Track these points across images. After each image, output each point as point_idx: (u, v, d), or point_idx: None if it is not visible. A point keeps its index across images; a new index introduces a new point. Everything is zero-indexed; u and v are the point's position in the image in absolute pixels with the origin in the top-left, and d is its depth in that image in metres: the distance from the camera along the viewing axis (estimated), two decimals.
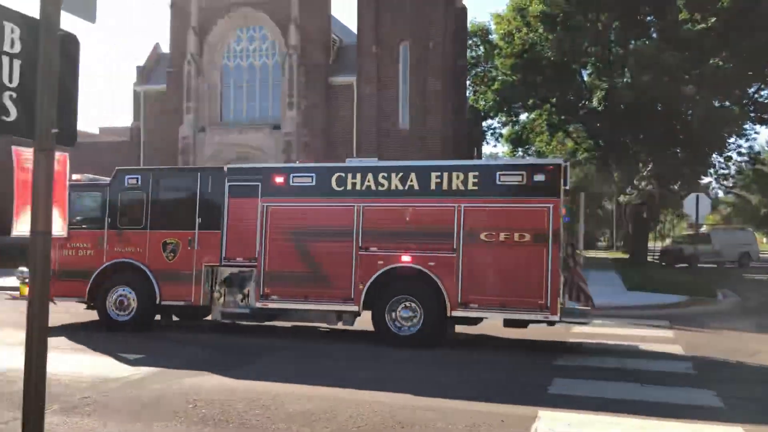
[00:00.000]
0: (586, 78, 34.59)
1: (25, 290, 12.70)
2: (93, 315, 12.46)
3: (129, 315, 11.90)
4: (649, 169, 30.90)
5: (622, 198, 33.93)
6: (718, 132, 29.21)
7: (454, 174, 10.53)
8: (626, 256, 41.04)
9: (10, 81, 3.68)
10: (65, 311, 13.02)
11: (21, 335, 10.44)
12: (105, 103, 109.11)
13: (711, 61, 27.59)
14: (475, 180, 10.45)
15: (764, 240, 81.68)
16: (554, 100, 33.80)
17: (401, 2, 32.14)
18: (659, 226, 59.26)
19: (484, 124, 44.86)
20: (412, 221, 10.59)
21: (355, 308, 10.80)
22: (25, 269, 13.94)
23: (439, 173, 10.61)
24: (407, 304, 10.63)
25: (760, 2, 26.41)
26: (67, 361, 8.79)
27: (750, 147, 37.36)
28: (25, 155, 4.06)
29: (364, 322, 11.24)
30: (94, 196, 12.35)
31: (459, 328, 11.54)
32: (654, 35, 30.47)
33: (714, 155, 34.16)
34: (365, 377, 8.32)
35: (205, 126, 34.05)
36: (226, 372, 8.42)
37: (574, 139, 39.89)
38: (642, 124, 29.20)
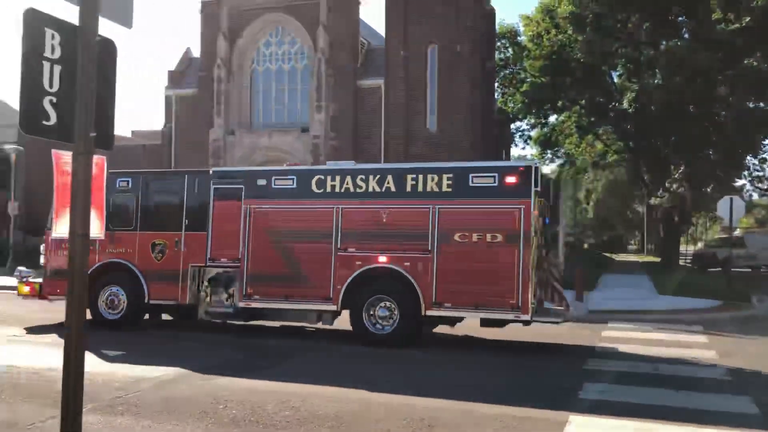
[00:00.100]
0: (616, 79, 34.21)
1: (23, 289, 13.21)
2: None
3: (119, 313, 12.25)
4: (680, 171, 30.43)
5: (652, 200, 33.45)
6: (753, 134, 28.65)
7: (429, 176, 10.76)
8: (657, 259, 40.45)
9: (51, 86, 3.77)
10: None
11: (50, 336, 10.59)
12: (137, 106, 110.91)
13: (745, 62, 27.08)
14: (449, 182, 10.65)
15: None
16: (583, 101, 33.49)
17: (429, 5, 32.10)
18: (691, 229, 58.32)
19: (512, 126, 44.61)
20: (388, 222, 10.83)
21: (333, 308, 11.05)
22: (23, 269, 14.46)
23: (414, 175, 10.86)
24: (385, 303, 10.84)
25: None
26: (100, 361, 8.93)
27: None
28: (64, 158, 4.14)
29: (345, 321, 11.34)
30: None
31: (482, 332, 11.48)
32: (686, 35, 30.00)
33: (748, 157, 33.55)
34: (393, 379, 8.32)
35: (235, 129, 34.39)
36: (255, 373, 8.49)
37: (604, 141, 39.47)
38: (673, 126, 28.74)
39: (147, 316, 12.84)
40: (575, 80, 31.90)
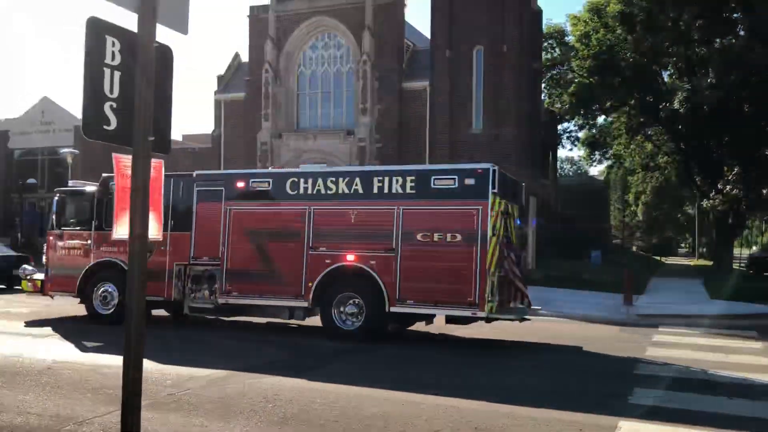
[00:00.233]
0: (666, 79, 33.49)
1: (27, 286, 14.13)
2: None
3: (111, 309, 12.95)
4: (734, 172, 29.58)
5: (705, 203, 32.60)
6: None
7: (394, 178, 11.22)
8: (709, 263, 39.40)
9: (111, 92, 3.92)
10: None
11: (102, 334, 10.88)
12: (187, 111, 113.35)
13: None
14: (413, 184, 11.08)
15: None
16: (633, 102, 32.87)
17: (475, 6, 31.94)
18: (746, 232, 56.59)
19: (559, 127, 44.07)
20: (356, 223, 11.31)
21: (305, 304, 11.58)
22: (27, 267, 15.17)
23: (380, 178, 11.34)
24: (354, 300, 11.34)
25: None
26: (150, 360, 9.15)
27: None
28: (124, 162, 4.28)
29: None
30: (84, 201, 13.63)
31: (521, 331, 11.38)
32: (741, 32, 29.18)
33: None
34: (438, 381, 8.33)
35: (282, 132, 34.84)
36: (302, 373, 8.59)
37: (654, 142, 38.67)
38: (727, 126, 27.98)
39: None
40: (624, 80, 31.36)
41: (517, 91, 31.66)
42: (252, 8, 36.06)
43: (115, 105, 3.93)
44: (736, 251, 41.08)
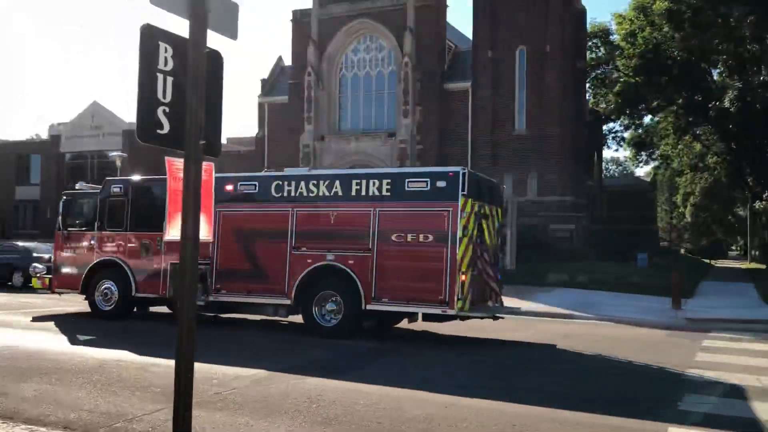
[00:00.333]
0: (716, 77, 32.68)
1: (37, 283, 14.89)
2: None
3: (111, 306, 13.65)
4: None
5: (757, 204, 31.68)
6: None
7: (371, 181, 11.65)
8: (762, 266, 38.25)
9: (164, 97, 4.02)
10: None
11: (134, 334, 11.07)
12: (232, 113, 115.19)
13: None
14: (388, 186, 11.51)
15: None
16: (681, 101, 32.17)
17: (517, 6, 31.71)
18: None
19: (604, 127, 43.37)
20: (336, 224, 11.79)
21: (288, 302, 12.07)
22: (38, 265, 15.75)
23: (359, 180, 11.78)
24: (333, 298, 11.79)
25: None
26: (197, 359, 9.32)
27: None
28: (176, 165, 4.38)
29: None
30: (88, 203, 14.31)
31: (563, 333, 11.21)
32: None
33: None
34: (479, 383, 8.29)
35: (324, 135, 35.11)
36: (344, 374, 8.64)
37: (703, 142, 37.77)
38: None
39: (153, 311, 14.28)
40: (672, 79, 30.72)
41: (560, 91, 31.31)
42: (295, 12, 36.46)
43: (167, 109, 4.03)
44: None
